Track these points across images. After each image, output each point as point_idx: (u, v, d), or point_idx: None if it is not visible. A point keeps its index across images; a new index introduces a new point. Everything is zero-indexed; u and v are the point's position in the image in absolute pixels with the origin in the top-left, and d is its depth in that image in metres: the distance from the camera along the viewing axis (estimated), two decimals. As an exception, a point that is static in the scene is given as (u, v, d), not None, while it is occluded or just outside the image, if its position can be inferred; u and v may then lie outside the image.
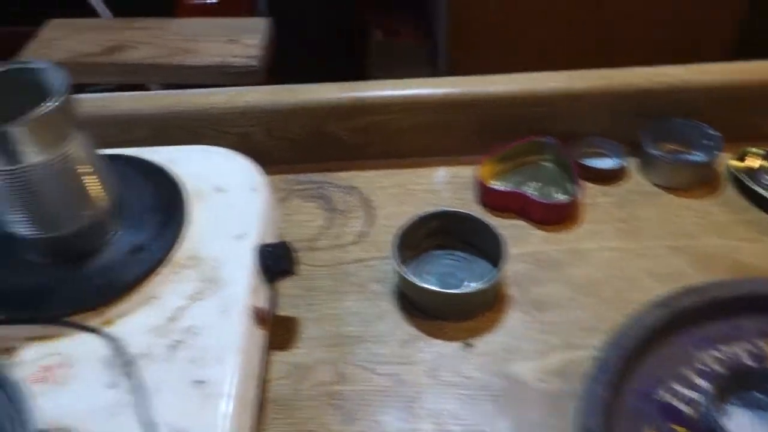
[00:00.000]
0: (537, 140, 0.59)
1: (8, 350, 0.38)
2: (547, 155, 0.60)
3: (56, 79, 0.38)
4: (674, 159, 0.58)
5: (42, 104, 0.36)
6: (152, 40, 0.61)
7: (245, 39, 0.62)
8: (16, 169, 0.36)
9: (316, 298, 0.49)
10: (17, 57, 0.60)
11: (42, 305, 0.39)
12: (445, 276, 0.50)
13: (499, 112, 0.60)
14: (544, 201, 0.55)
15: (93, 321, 0.39)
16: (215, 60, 0.59)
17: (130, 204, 0.44)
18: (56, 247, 0.41)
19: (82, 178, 0.39)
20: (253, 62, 0.60)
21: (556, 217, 0.55)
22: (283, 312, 0.48)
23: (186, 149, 0.52)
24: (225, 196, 0.48)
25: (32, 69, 0.39)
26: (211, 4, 0.84)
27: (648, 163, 0.58)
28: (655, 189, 0.57)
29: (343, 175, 0.60)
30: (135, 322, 0.39)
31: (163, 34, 0.61)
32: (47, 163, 0.36)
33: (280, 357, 0.46)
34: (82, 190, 0.40)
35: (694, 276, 0.49)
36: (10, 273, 0.41)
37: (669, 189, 0.57)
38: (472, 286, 0.48)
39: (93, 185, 0.40)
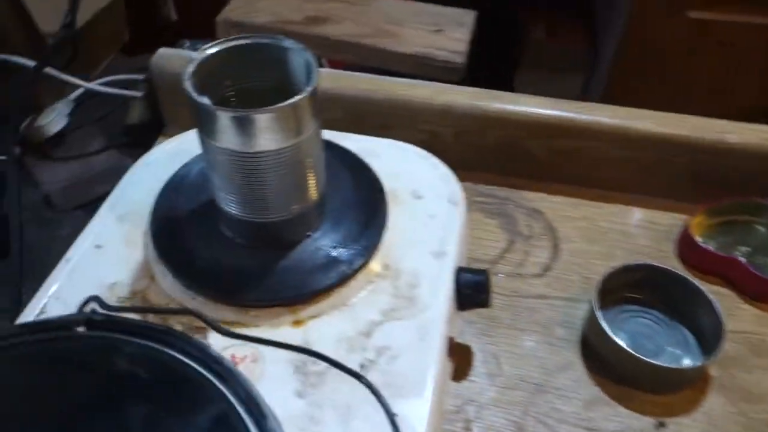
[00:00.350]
0: (757, 201, 0.52)
1: (199, 329, 0.37)
2: (764, 219, 0.53)
3: (304, 64, 0.36)
4: None
5: (293, 93, 0.34)
6: (355, 16, 0.58)
7: (451, 31, 0.58)
8: (250, 153, 0.34)
9: (493, 329, 0.46)
10: (221, 12, 0.59)
11: (237, 289, 0.38)
12: (639, 336, 0.45)
13: (718, 161, 0.53)
14: (765, 276, 0.48)
15: (285, 317, 0.37)
16: (419, 50, 0.56)
17: (333, 197, 0.42)
18: (260, 233, 0.39)
19: (306, 168, 0.37)
20: (458, 58, 0.56)
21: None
22: (453, 335, 0.45)
23: (382, 143, 0.49)
24: (423, 204, 0.45)
25: (278, 46, 0.36)
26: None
27: None
28: None
29: (528, 195, 0.56)
30: (326, 328, 0.37)
31: (367, 12, 0.59)
32: (281, 151, 0.34)
33: (450, 387, 0.43)
34: (302, 180, 0.37)
35: None
36: (210, 248, 0.39)
37: None
38: (685, 362, 0.43)
39: (312, 177, 0.38)
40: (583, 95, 1.41)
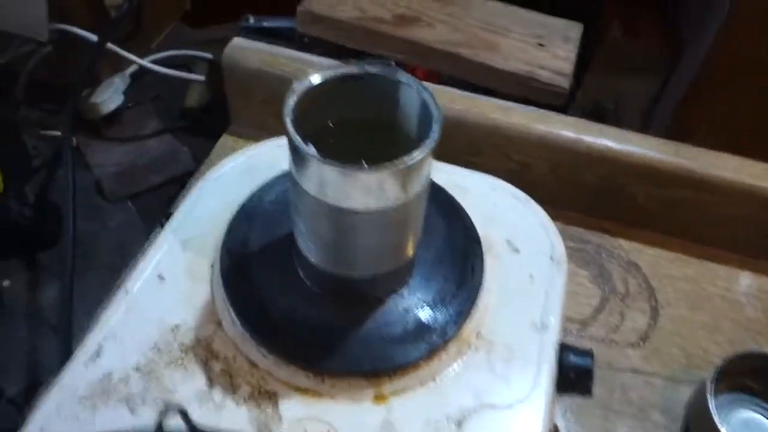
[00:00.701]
0: None
1: (270, 395, 0.33)
2: None
3: (419, 104, 0.30)
4: None
5: (400, 132, 0.29)
6: (450, 19, 0.52)
7: (555, 46, 0.51)
8: (347, 209, 0.29)
9: (583, 408, 0.41)
10: (304, 1, 0.53)
11: (314, 352, 0.33)
12: (746, 427, 0.40)
13: None
14: None
15: (365, 390, 0.33)
16: (521, 67, 0.50)
17: (424, 244, 0.37)
18: (343, 287, 0.34)
19: (408, 228, 0.32)
20: (562, 81, 0.50)
21: None
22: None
23: (474, 178, 0.44)
24: (520, 259, 0.39)
25: (391, 80, 0.31)
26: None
27: None
28: None
29: (624, 244, 0.50)
30: (411, 407, 0.33)
31: (464, 15, 0.52)
32: (384, 210, 0.29)
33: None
34: (400, 240, 0.32)
35: None
36: (286, 297, 0.35)
37: None
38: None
39: (411, 235, 0.33)
40: (656, 102, 1.32)
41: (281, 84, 0.51)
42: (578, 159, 0.48)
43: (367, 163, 0.33)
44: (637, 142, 0.47)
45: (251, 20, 0.75)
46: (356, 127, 0.33)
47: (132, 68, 0.68)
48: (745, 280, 0.49)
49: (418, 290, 0.36)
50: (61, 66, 0.61)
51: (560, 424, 0.40)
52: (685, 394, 0.41)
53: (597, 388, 0.42)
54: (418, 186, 0.30)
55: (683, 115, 0.85)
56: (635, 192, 0.49)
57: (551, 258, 0.40)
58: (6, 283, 0.54)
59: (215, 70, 0.59)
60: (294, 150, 0.28)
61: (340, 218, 0.30)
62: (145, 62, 0.64)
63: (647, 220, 0.50)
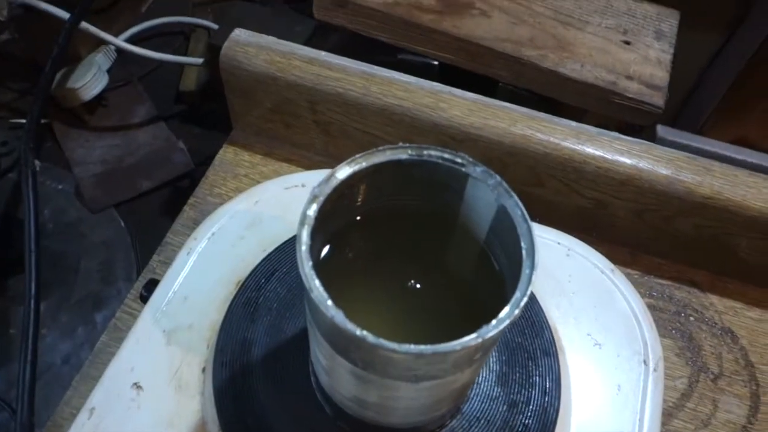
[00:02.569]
0: None
1: None
2: None
3: (495, 210, 0.20)
4: None
5: (456, 226, 0.20)
6: (512, 6, 0.40)
7: (645, 44, 0.39)
8: (387, 382, 0.20)
9: None
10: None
11: None
12: None
13: None
14: None
15: None
16: (603, 77, 0.38)
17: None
18: (375, 428, 0.25)
19: (469, 382, 0.23)
20: (656, 99, 0.39)
21: None
22: None
23: (544, 233, 0.34)
24: (603, 358, 0.30)
25: (457, 172, 0.21)
26: None
27: None
28: None
29: (717, 302, 0.41)
30: None
31: (531, 2, 0.40)
32: (441, 383, 0.20)
33: None
34: (459, 393, 0.23)
35: None
36: (304, 428, 0.26)
37: None
38: None
39: (471, 385, 0.24)
40: (716, 59, 1.17)
41: (295, 91, 0.40)
42: (675, 207, 0.38)
43: (412, 277, 0.23)
44: (752, 184, 0.37)
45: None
46: (396, 222, 0.23)
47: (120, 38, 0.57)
48: None
49: (475, 421, 0.27)
50: (29, 46, 0.51)
51: None
52: None
53: None
54: (493, 343, 0.20)
55: (746, 80, 0.72)
56: (738, 243, 0.39)
57: (644, 362, 0.30)
58: (-30, 315, 0.46)
59: (215, 51, 0.48)
60: (312, 301, 0.18)
61: (373, 382, 0.20)
62: (123, 43, 0.53)
63: (747, 274, 0.40)
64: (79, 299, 0.47)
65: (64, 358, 0.44)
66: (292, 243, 0.32)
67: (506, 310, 0.18)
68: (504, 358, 0.28)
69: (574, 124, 0.38)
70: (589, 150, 0.38)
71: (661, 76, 0.39)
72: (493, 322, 0.18)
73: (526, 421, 0.27)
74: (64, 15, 0.48)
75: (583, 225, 0.41)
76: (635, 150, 0.38)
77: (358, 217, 0.23)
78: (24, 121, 0.54)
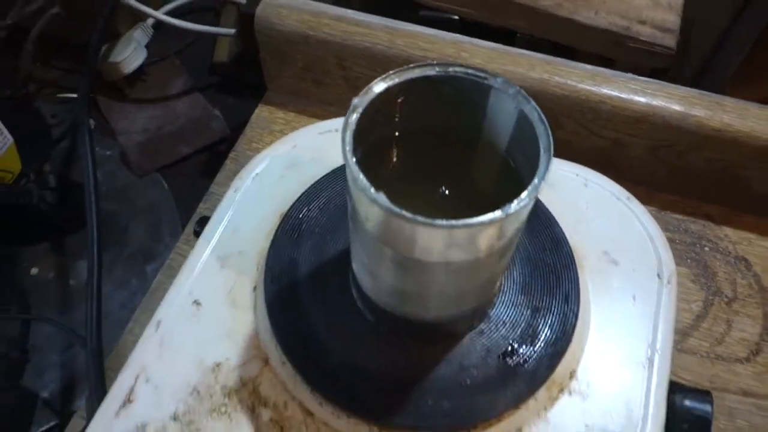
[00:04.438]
0: None
1: (330, 454, 0.28)
2: None
3: (515, 117, 0.23)
4: None
5: (485, 146, 0.22)
6: (525, -42, 0.42)
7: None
8: (423, 262, 0.22)
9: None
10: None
11: (379, 404, 0.28)
12: None
13: None
14: None
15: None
16: (616, 22, 0.40)
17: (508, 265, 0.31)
18: (413, 327, 0.28)
19: (498, 268, 0.26)
20: (667, 40, 0.41)
21: None
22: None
23: (562, 166, 0.37)
24: (620, 275, 0.33)
25: (479, 84, 0.23)
26: None
27: None
28: None
29: (731, 233, 0.43)
30: (497, 471, 0.28)
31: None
32: (474, 261, 0.23)
33: None
34: (489, 281, 0.26)
35: None
36: (344, 334, 0.29)
37: None
38: None
39: (497, 278, 0.27)
40: (736, 21, 1.17)
41: (325, 49, 0.43)
42: (687, 140, 0.40)
43: (442, 185, 0.26)
44: (762, 116, 0.39)
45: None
46: (426, 137, 0.26)
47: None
48: None
49: (501, 322, 0.30)
50: (73, 23, 0.54)
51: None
52: (806, 424, 0.35)
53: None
54: (516, 228, 0.23)
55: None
56: (749, 175, 0.41)
57: (658, 274, 0.33)
58: (34, 270, 0.50)
59: (246, 20, 0.51)
60: (357, 189, 0.21)
61: (411, 267, 0.23)
62: (162, 15, 0.57)
63: (761, 207, 0.42)
64: (130, 253, 0.50)
65: (121, 305, 0.47)
66: (328, 178, 0.34)
67: (527, 190, 0.20)
68: (527, 271, 0.31)
69: (589, 67, 0.41)
70: (605, 90, 0.40)
71: (672, 19, 0.41)
72: (515, 201, 0.20)
73: (549, 323, 0.30)
74: (108, -9, 0.51)
75: (601, 165, 0.43)
76: (650, 89, 0.40)
77: (396, 133, 0.26)
78: (70, 95, 0.58)
